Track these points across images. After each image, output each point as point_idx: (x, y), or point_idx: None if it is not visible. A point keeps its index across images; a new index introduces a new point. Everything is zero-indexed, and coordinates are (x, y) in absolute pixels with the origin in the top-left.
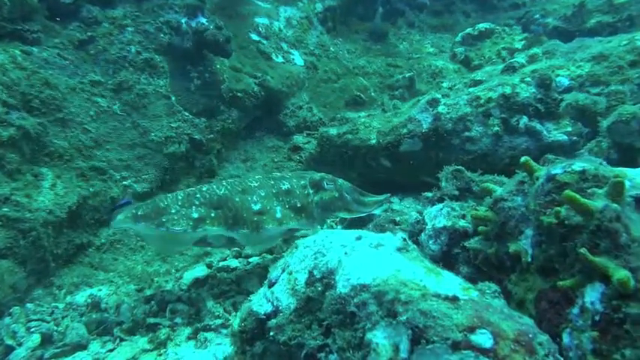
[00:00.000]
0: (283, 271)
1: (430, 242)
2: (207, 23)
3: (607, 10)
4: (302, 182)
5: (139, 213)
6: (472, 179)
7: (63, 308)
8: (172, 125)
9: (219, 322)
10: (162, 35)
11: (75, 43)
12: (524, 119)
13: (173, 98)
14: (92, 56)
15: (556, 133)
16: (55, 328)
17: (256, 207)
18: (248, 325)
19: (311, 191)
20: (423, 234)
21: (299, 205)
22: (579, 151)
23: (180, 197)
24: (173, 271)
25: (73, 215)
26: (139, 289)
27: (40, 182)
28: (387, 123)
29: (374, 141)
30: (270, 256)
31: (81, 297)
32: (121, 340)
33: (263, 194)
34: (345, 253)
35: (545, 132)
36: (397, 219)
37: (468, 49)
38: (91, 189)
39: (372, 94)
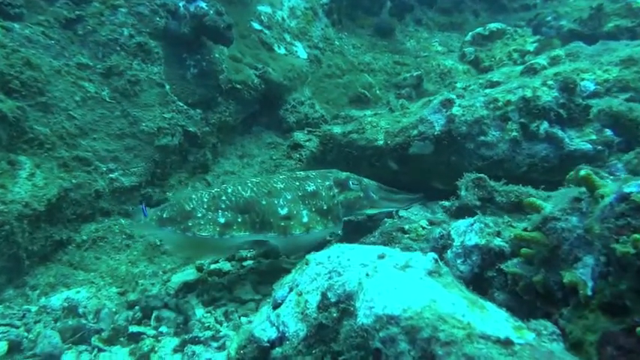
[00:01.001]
0: (291, 290)
1: (458, 262)
2: (206, 8)
3: (625, 14)
4: (327, 183)
5: (165, 216)
6: (495, 189)
7: (35, 312)
8: (165, 116)
9: (209, 334)
10: (157, 18)
11: (61, 21)
12: (545, 125)
13: (167, 87)
14: (80, 37)
15: (579, 141)
16: (26, 334)
17: (283, 211)
18: (248, 354)
19: (336, 191)
20: (449, 251)
21: (325, 207)
22: (608, 162)
23: (205, 199)
24: (160, 273)
25: (53, 209)
26: (121, 293)
27: (16, 171)
28: (395, 123)
29: (381, 142)
30: (265, 261)
31: (57, 299)
32: (99, 350)
33: (289, 197)
34: (367, 275)
35: (567, 139)
36: (405, 227)
37: (478, 49)
38: (73, 181)
39: (378, 92)
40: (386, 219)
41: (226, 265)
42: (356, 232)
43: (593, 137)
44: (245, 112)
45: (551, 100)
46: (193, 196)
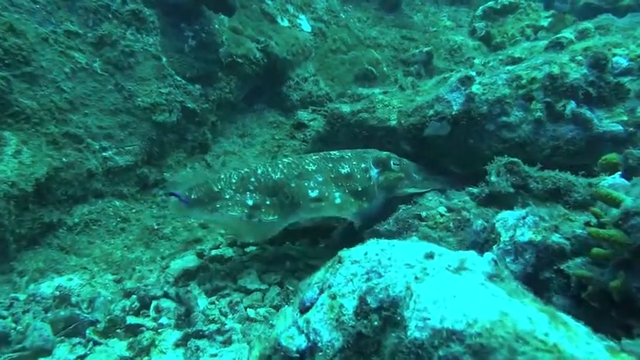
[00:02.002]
0: (322, 292)
1: (508, 260)
2: None
3: None
4: (363, 165)
5: (192, 197)
6: (529, 174)
7: (24, 301)
8: (162, 91)
9: (213, 327)
10: None
11: None
12: (572, 105)
13: (164, 59)
14: (68, 2)
15: (608, 122)
16: (14, 325)
17: (313, 194)
18: None
19: (373, 174)
20: (495, 248)
21: (360, 189)
22: None
23: (234, 180)
24: (158, 258)
25: (42, 189)
26: (117, 280)
27: (1, 148)
28: (409, 102)
29: (394, 122)
30: (270, 247)
31: (47, 287)
32: (95, 343)
33: (321, 179)
34: (416, 278)
35: (595, 120)
36: (422, 214)
37: (489, 24)
38: (64, 159)
39: (385, 69)
40: (400, 205)
41: (228, 251)
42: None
43: (624, 118)
44: (246, 88)
45: (580, 78)
46: (222, 176)
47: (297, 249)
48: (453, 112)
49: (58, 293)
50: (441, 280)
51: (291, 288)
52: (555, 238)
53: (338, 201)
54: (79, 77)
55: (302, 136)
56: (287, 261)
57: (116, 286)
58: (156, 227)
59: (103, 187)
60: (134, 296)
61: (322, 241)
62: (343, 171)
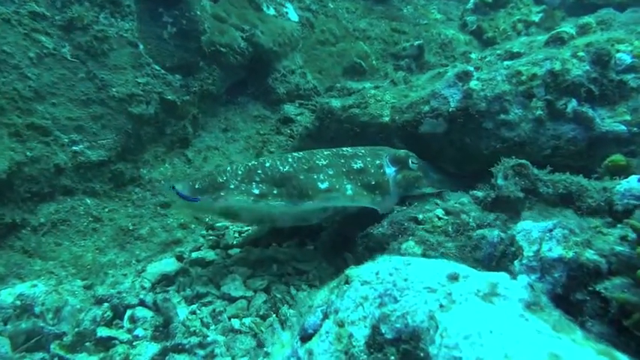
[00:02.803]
0: (326, 317)
1: (532, 278)
2: None
3: None
4: (377, 161)
5: (197, 187)
6: (539, 177)
7: None
8: (139, 80)
9: (195, 340)
10: None
11: None
12: (573, 103)
13: (141, 47)
14: None
15: (611, 121)
16: None
17: (323, 185)
18: None
19: (389, 172)
20: (516, 263)
21: (373, 182)
22: None
23: (240, 172)
24: (134, 261)
25: (2, 186)
26: (87, 286)
27: None
28: (403, 98)
29: (387, 118)
30: (256, 250)
31: (7, 295)
32: (60, 359)
33: (331, 172)
34: (441, 306)
35: (597, 119)
36: (419, 216)
37: (480, 18)
38: (28, 153)
39: (374, 62)
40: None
41: (210, 254)
42: (355, 223)
43: (627, 117)
44: (230, 79)
45: (582, 75)
46: (228, 169)
47: (284, 251)
48: (450, 109)
49: (19, 302)
50: (471, 310)
51: (278, 295)
52: (589, 254)
53: (349, 192)
54: (46, 63)
55: (288, 131)
56: (274, 264)
57: (86, 293)
58: (131, 228)
59: (72, 184)
60: (106, 304)
61: (310, 243)
62: (356, 166)
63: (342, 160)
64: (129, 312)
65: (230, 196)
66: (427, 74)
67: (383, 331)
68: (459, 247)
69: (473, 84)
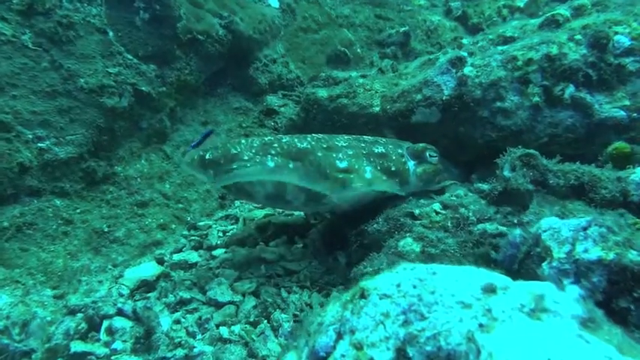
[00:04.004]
0: (340, 337)
1: (566, 282)
2: None
3: None
4: (399, 150)
5: (207, 157)
6: (548, 168)
7: None
8: (110, 71)
9: (180, 353)
10: None
11: None
12: (571, 88)
13: (111, 34)
14: None
15: (609, 107)
16: None
17: (342, 164)
18: None
19: (410, 164)
20: (545, 266)
21: (393, 168)
22: None
23: (255, 145)
24: (110, 266)
25: None
26: (58, 295)
27: None
28: (393, 86)
29: (377, 108)
30: (242, 250)
31: None
32: None
33: (351, 153)
34: (480, 325)
35: (596, 105)
36: (415, 211)
37: (465, 3)
38: None
39: (359, 50)
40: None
41: (193, 256)
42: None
43: (626, 103)
44: (208, 70)
45: (579, 59)
46: (242, 141)
47: (272, 250)
48: (444, 97)
49: None
50: (518, 330)
51: (269, 300)
52: (633, 256)
53: (368, 175)
54: (4, 52)
55: (272, 123)
56: (262, 265)
57: (57, 304)
58: (106, 230)
59: (39, 184)
60: (80, 315)
61: (299, 241)
62: (377, 150)
63: (363, 144)
64: (106, 323)
65: (243, 170)
66: (416, 61)
67: (410, 354)
68: (460, 244)
69: (467, 70)
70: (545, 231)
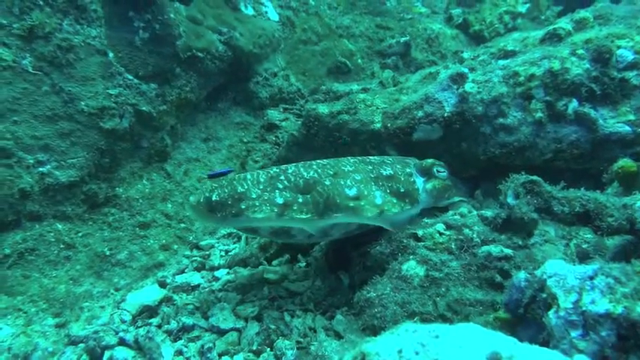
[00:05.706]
0: None
1: (573, 335)
2: None
3: None
4: (407, 170)
5: (214, 199)
6: (553, 195)
7: None
8: (111, 92)
9: None
10: None
11: None
12: (574, 103)
13: (111, 55)
14: None
15: (614, 122)
16: None
17: (351, 192)
18: None
19: (419, 182)
20: (552, 315)
21: (402, 190)
22: None
23: (262, 179)
24: (112, 291)
25: None
26: (60, 324)
27: None
28: (394, 102)
29: (378, 124)
30: (245, 272)
31: None
32: None
33: (359, 178)
34: None
35: (600, 120)
36: (419, 232)
37: (465, 10)
38: None
39: (359, 61)
40: None
41: (195, 277)
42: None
43: (631, 117)
44: (209, 86)
45: (582, 74)
46: (248, 176)
47: (275, 270)
48: (445, 114)
49: None
50: None
51: (272, 326)
52: None
53: (379, 201)
54: (5, 77)
55: (273, 138)
56: (264, 286)
57: (59, 333)
58: (108, 253)
59: (40, 209)
60: (82, 345)
61: (302, 259)
62: (385, 172)
63: (370, 167)
64: (107, 354)
65: (251, 212)
66: (417, 74)
67: None
68: (464, 267)
69: (468, 87)
70: (550, 277)
